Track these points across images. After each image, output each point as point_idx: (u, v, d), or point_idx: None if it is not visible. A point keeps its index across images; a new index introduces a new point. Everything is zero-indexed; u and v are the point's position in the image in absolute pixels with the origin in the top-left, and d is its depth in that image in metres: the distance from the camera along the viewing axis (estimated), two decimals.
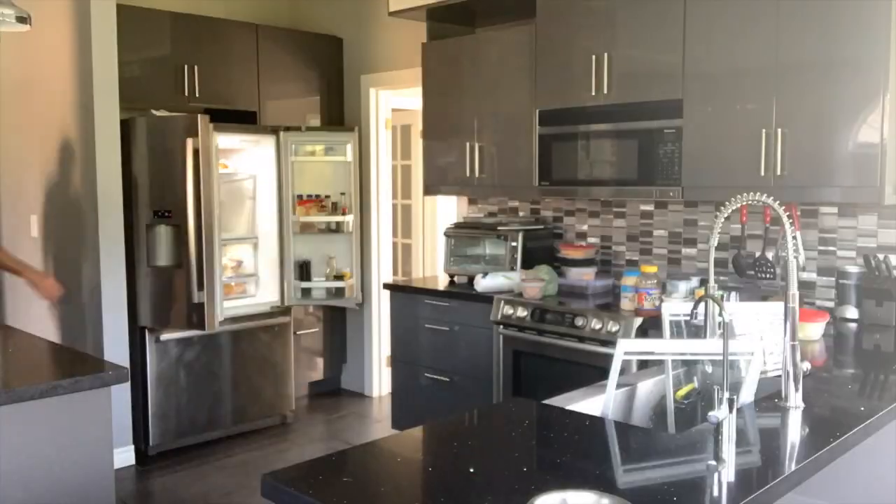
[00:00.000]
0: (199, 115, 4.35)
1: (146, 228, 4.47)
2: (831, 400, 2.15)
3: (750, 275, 3.58)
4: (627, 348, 2.11)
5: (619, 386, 2.34)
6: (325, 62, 5.63)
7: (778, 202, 2.08)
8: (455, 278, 4.47)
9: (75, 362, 2.65)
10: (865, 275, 3.16)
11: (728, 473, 1.57)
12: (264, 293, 5.08)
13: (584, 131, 3.81)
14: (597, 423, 1.93)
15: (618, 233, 4.18)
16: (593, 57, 3.71)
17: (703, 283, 3.43)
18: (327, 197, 5.29)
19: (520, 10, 4.14)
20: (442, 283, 4.48)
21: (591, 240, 4.28)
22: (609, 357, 3.32)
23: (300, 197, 5.17)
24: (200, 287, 4.37)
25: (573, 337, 3.51)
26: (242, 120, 5.08)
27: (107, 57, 4.27)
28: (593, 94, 3.72)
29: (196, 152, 4.31)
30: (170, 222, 4.42)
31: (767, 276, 3.49)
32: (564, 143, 3.87)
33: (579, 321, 3.50)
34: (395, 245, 6.41)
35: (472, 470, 1.59)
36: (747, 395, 2.07)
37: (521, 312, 3.72)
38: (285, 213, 5.07)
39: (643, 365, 3.25)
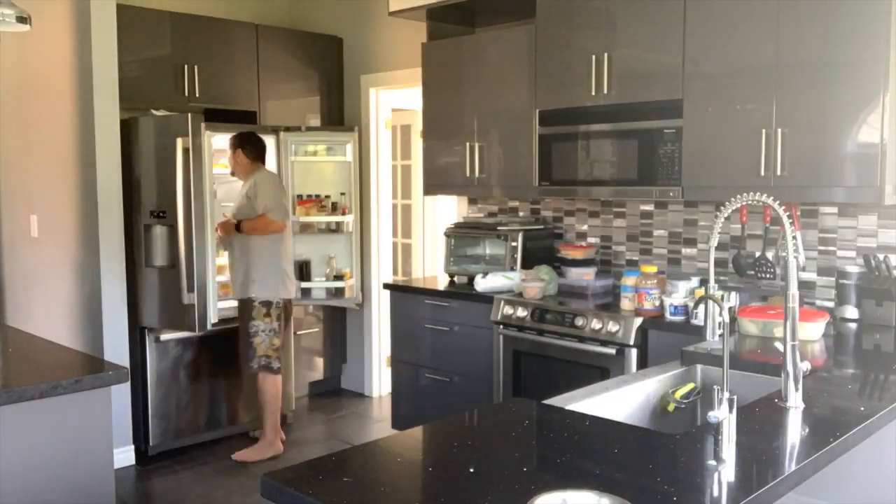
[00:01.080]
0: (189, 114, 4.31)
1: (144, 229, 4.46)
2: (831, 400, 2.15)
3: (750, 275, 3.58)
4: None
5: (618, 386, 2.34)
6: (325, 62, 5.63)
7: (778, 202, 2.08)
8: (455, 278, 4.47)
9: (75, 362, 2.65)
10: (865, 275, 3.16)
11: (728, 473, 1.57)
12: None
13: (584, 131, 3.81)
14: (597, 423, 1.93)
15: (618, 233, 4.17)
16: (593, 57, 3.70)
17: (703, 283, 3.43)
18: (327, 197, 5.29)
19: (520, 10, 4.14)
20: (442, 283, 4.48)
21: (591, 240, 4.28)
22: (609, 357, 3.33)
23: (300, 197, 5.17)
24: (191, 289, 4.33)
25: (573, 337, 3.51)
26: (242, 120, 5.08)
27: (107, 57, 4.27)
28: (593, 94, 3.72)
29: (186, 151, 4.28)
30: (164, 222, 4.41)
31: (767, 276, 3.49)
32: (564, 143, 3.87)
33: (579, 321, 3.50)
34: (395, 245, 6.40)
35: (472, 470, 1.59)
36: None
37: (521, 312, 3.72)
38: None
39: (643, 365, 3.25)
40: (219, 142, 4.77)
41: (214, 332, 4.60)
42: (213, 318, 4.50)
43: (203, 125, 4.39)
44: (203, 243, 4.37)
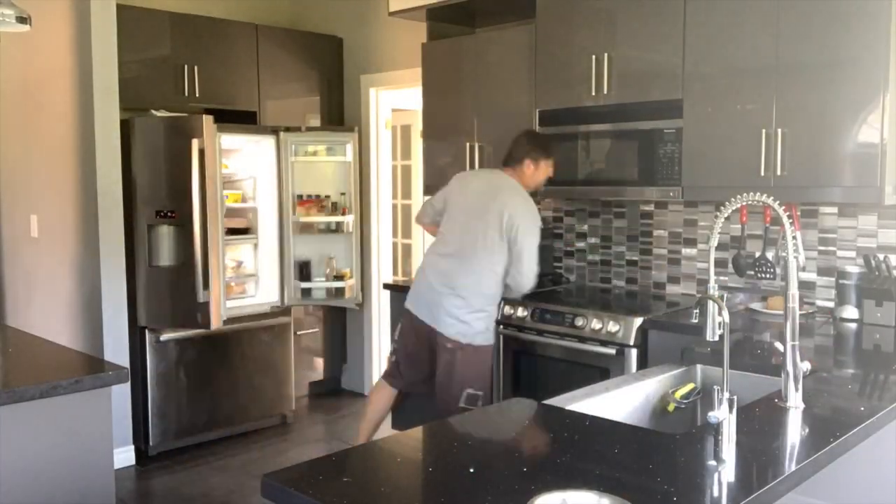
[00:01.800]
0: (203, 116, 4.36)
1: (147, 228, 4.47)
2: (831, 400, 2.15)
3: (750, 275, 3.58)
4: None
5: (618, 386, 2.34)
6: (325, 62, 5.63)
7: (778, 202, 2.08)
8: None
9: (75, 362, 2.65)
10: (865, 275, 3.16)
11: (728, 473, 1.57)
12: (264, 293, 5.08)
13: (584, 131, 3.81)
14: (597, 423, 1.93)
15: (618, 233, 4.17)
16: (593, 57, 3.70)
17: (704, 283, 3.43)
18: (327, 197, 5.29)
19: (520, 10, 4.13)
20: None
21: (592, 240, 4.27)
22: (609, 357, 3.33)
23: (300, 197, 5.17)
24: (206, 286, 4.38)
25: (573, 337, 3.51)
26: (242, 120, 5.08)
27: (107, 57, 4.26)
28: (593, 94, 3.72)
29: (202, 152, 4.33)
30: (173, 222, 4.43)
31: (767, 276, 3.49)
32: (564, 143, 3.87)
33: (579, 321, 3.50)
34: (395, 245, 6.40)
35: (472, 470, 1.59)
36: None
37: (521, 312, 3.72)
38: (285, 214, 5.07)
39: (643, 365, 3.25)
40: (225, 142, 4.79)
41: (215, 332, 4.61)
42: (223, 314, 4.56)
43: (214, 126, 4.44)
44: (216, 242, 4.44)
